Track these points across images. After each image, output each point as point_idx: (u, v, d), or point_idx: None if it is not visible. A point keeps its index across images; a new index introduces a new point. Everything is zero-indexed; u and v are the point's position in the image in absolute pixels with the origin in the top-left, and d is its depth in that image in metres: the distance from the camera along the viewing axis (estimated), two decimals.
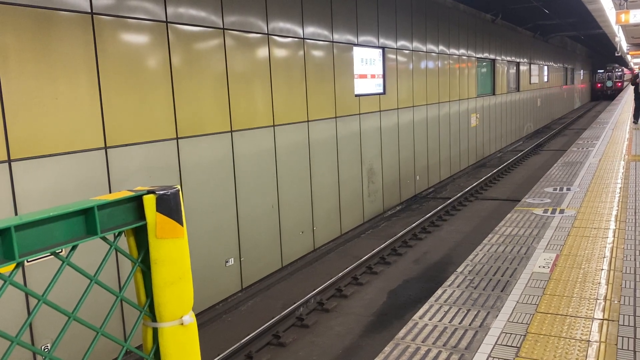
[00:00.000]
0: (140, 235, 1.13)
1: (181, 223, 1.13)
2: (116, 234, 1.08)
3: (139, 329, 1.19)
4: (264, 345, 6.42)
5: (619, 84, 43.69)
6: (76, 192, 5.43)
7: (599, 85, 45.59)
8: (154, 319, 1.15)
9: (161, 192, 1.10)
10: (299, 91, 8.88)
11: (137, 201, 1.09)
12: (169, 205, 1.11)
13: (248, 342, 6.27)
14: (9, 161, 4.88)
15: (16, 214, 4.98)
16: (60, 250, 0.98)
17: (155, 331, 1.16)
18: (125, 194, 1.08)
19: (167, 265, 1.12)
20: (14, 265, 0.89)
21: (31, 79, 5.04)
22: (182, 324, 1.16)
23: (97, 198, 1.04)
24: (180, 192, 1.15)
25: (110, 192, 5.34)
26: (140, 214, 1.10)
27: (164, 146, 6.45)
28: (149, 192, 1.10)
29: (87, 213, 1.00)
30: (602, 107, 37.89)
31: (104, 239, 1.03)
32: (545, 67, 29.08)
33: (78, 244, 0.98)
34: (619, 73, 44.64)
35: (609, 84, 44.60)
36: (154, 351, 1.16)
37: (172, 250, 1.13)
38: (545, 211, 6.73)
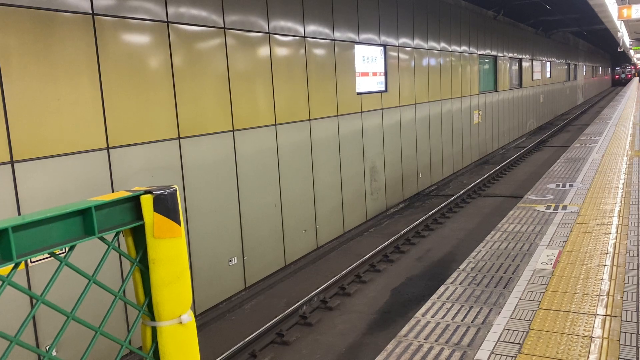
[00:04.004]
0: (138, 235, 1.13)
1: (179, 223, 1.13)
2: (114, 234, 1.08)
3: (139, 328, 1.20)
4: (267, 344, 6.44)
5: (629, 76, 67.69)
6: (79, 192, 5.45)
7: (617, 77, 71.39)
8: (153, 318, 1.16)
9: (158, 192, 1.11)
10: (301, 90, 8.88)
11: (134, 201, 1.10)
12: (167, 205, 1.12)
13: (252, 340, 6.29)
14: (12, 162, 4.90)
15: (19, 214, 5.00)
16: (62, 251, 0.99)
17: (154, 330, 1.16)
18: (122, 194, 1.08)
19: (165, 264, 1.13)
20: (12, 266, 0.89)
21: (33, 80, 5.05)
22: (180, 322, 1.16)
23: (95, 198, 1.05)
24: (177, 192, 1.15)
25: (112, 192, 5.34)
26: (138, 214, 1.11)
27: (166, 146, 6.47)
28: (147, 192, 1.11)
29: (84, 213, 1.01)
30: (606, 103, 37.82)
31: (102, 239, 1.04)
32: (548, 64, 29.03)
33: (76, 244, 0.99)
34: (629, 69, 69.80)
35: (623, 75, 69.76)
36: (153, 350, 1.16)
37: (170, 250, 1.13)
38: (548, 207, 6.72)
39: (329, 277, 8.20)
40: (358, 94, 10.63)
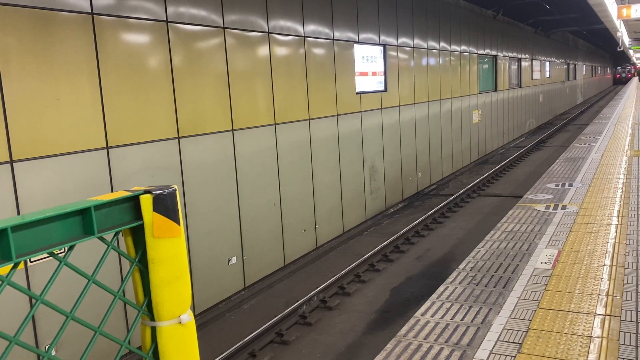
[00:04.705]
0: (138, 235, 1.13)
1: (178, 222, 1.13)
2: (114, 234, 1.08)
3: (138, 328, 1.20)
4: (267, 344, 6.44)
5: (629, 75, 73.37)
6: (78, 192, 5.45)
7: (618, 76, 77.43)
8: (153, 318, 1.16)
9: (158, 191, 1.11)
10: (300, 89, 8.88)
11: (134, 201, 1.10)
12: (166, 205, 1.12)
13: (251, 340, 6.29)
14: (11, 162, 4.90)
15: (18, 214, 5.00)
16: (62, 251, 0.99)
17: (153, 330, 1.16)
18: (122, 194, 1.08)
19: (164, 264, 1.13)
20: (11, 265, 0.89)
21: (33, 80, 5.05)
22: (180, 322, 1.16)
23: (94, 198, 1.05)
24: (177, 191, 1.15)
25: (112, 192, 5.31)
26: (138, 213, 1.11)
27: (165, 146, 6.46)
28: (146, 192, 1.10)
29: (84, 213, 1.01)
30: (605, 102, 37.86)
31: (101, 239, 1.04)
32: (547, 63, 29.04)
33: (75, 244, 0.99)
34: (629, 68, 75.86)
35: (624, 75, 75.61)
36: (152, 350, 1.16)
37: (170, 250, 1.13)
38: (548, 207, 6.73)
39: (328, 276, 8.20)
40: (357, 93, 10.63)
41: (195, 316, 6.98)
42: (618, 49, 30.23)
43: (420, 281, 8.12)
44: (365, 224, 11.09)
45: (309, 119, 9.13)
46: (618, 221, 5.88)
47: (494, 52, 19.27)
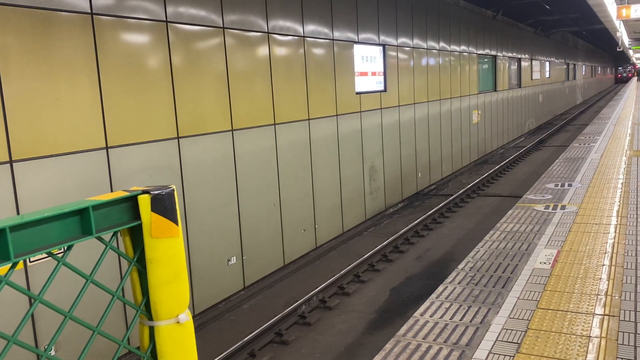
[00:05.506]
0: (136, 235, 1.13)
1: (176, 222, 1.14)
2: (112, 234, 1.09)
3: (136, 328, 1.20)
4: (266, 344, 6.44)
5: (630, 75, 79.42)
6: (78, 192, 5.45)
7: (620, 75, 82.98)
8: (151, 318, 1.16)
9: (156, 192, 1.11)
10: (300, 89, 8.89)
11: (132, 201, 1.10)
12: (164, 205, 1.12)
13: (251, 340, 6.29)
14: (11, 162, 4.90)
15: (18, 214, 5.00)
16: (60, 251, 0.99)
17: (151, 330, 1.17)
18: (120, 194, 1.09)
19: (162, 264, 1.13)
20: (9, 265, 0.90)
21: (32, 80, 5.05)
22: (178, 322, 1.17)
23: (93, 198, 1.05)
24: (175, 191, 1.15)
25: (111, 192, 5.29)
26: (136, 213, 1.11)
27: (165, 145, 6.47)
28: (144, 192, 1.11)
29: (82, 213, 1.01)
30: (605, 102, 37.89)
31: (99, 239, 1.04)
32: (547, 63, 29.04)
33: (74, 244, 0.99)
34: (629, 69, 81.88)
35: (624, 74, 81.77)
36: (150, 349, 1.17)
37: (168, 250, 1.13)
38: (547, 207, 6.73)
39: (328, 276, 8.21)
40: (357, 93, 10.63)
41: (194, 316, 6.99)
42: (618, 49, 30.24)
43: (420, 281, 8.12)
44: (364, 224, 11.09)
45: (309, 119, 9.13)
46: (617, 221, 5.89)
47: (493, 52, 19.28)
